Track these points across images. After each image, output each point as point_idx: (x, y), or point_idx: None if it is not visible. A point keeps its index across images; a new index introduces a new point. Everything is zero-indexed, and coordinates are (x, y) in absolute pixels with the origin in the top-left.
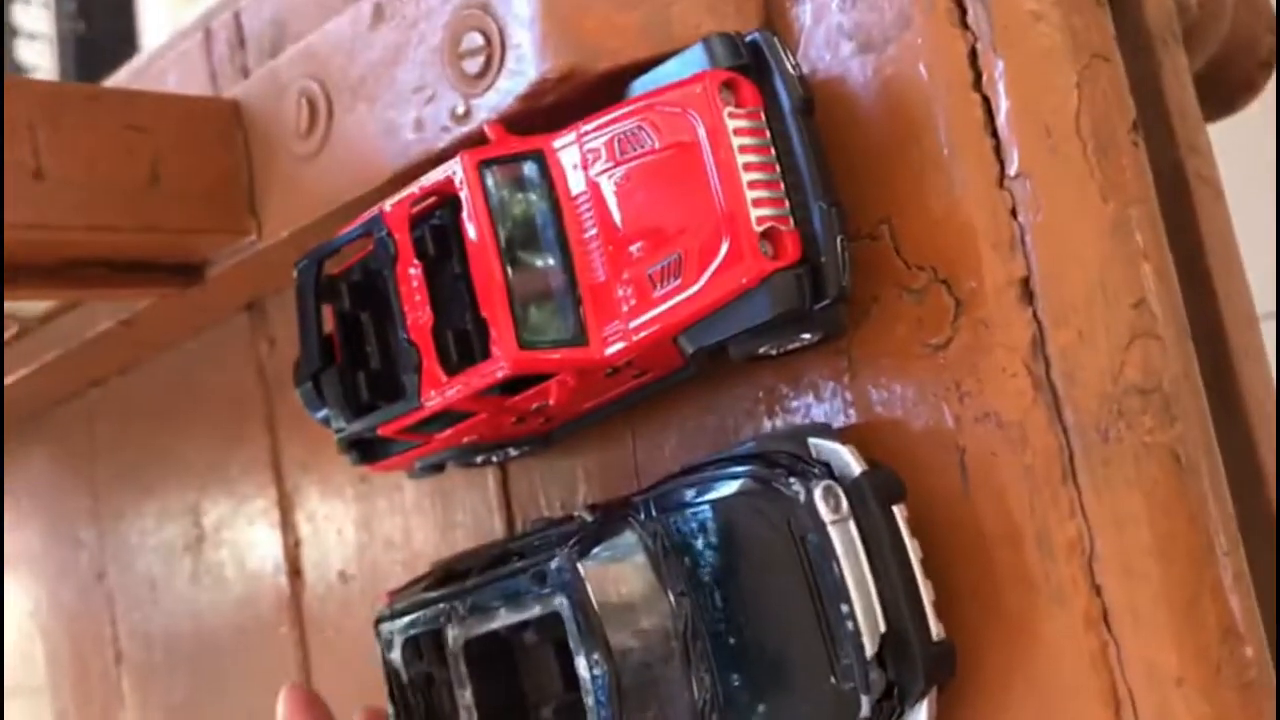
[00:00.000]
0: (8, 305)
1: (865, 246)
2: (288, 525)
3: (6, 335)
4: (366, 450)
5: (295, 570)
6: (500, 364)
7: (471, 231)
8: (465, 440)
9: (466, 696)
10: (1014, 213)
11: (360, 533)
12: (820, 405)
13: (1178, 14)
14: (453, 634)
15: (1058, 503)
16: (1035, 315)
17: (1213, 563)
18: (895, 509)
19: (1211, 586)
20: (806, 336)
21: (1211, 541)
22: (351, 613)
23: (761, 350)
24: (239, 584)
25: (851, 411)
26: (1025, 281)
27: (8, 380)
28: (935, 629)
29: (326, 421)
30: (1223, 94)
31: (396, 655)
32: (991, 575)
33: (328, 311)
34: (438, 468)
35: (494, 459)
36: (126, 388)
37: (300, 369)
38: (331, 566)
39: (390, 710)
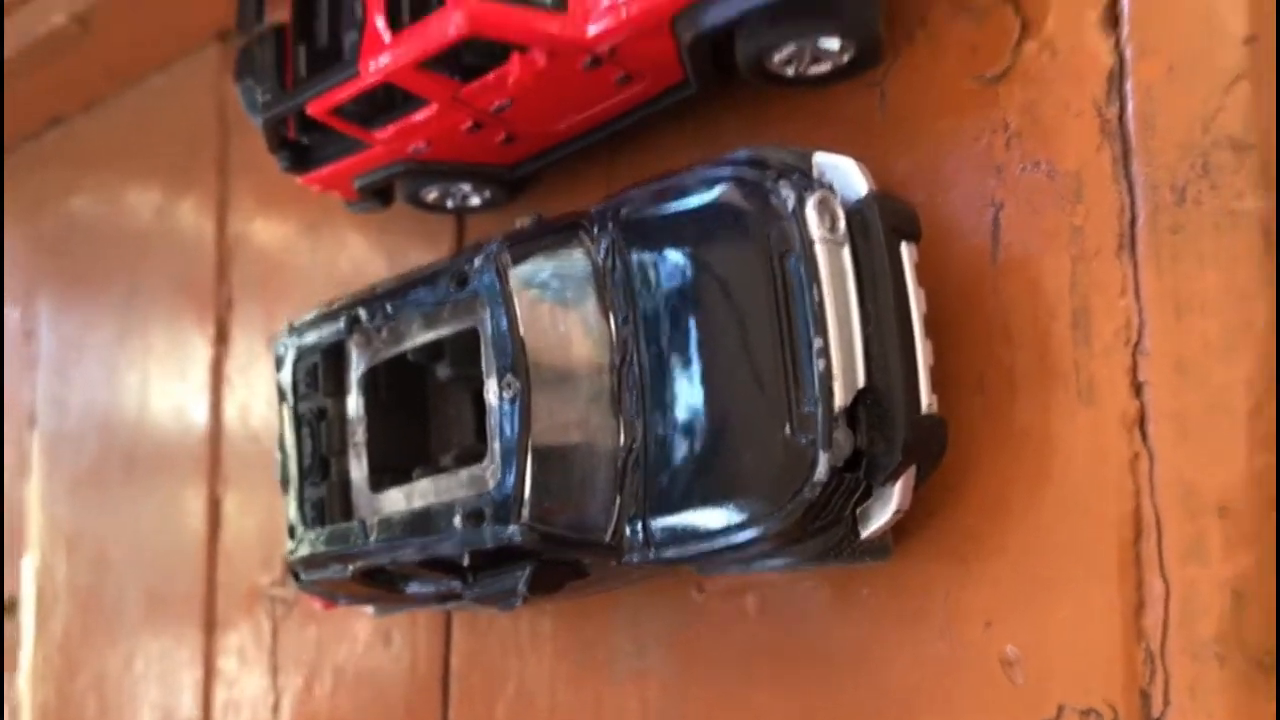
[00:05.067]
0: None
1: None
2: (223, 281)
3: None
4: (299, 156)
5: (222, 335)
6: (454, 17)
7: None
8: (411, 149)
9: (360, 434)
10: None
11: (301, 284)
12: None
13: None
14: (356, 355)
15: (1107, 277)
16: (1118, 43)
17: None
18: (904, 247)
19: None
20: (833, 44)
21: None
22: None
23: (777, 59)
24: (163, 346)
25: (875, 153)
26: (1113, 1)
27: None
28: (927, 399)
29: (254, 103)
30: None
31: (287, 374)
32: (1008, 358)
33: None
34: (381, 198)
35: (449, 203)
36: (87, 126)
37: (238, 22)
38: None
39: (277, 443)
